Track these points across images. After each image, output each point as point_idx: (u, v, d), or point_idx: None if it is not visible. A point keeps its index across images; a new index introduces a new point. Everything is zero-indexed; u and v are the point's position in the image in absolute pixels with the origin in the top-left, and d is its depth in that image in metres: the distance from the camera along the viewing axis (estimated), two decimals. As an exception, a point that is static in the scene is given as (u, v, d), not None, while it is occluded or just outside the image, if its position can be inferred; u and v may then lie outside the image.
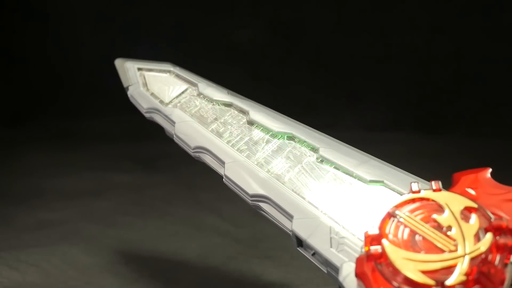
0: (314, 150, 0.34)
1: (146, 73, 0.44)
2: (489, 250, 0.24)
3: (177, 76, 0.43)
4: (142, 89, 0.43)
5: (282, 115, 0.38)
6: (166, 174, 0.80)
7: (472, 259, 0.24)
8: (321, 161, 0.33)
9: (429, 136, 0.88)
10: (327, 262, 0.29)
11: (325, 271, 0.30)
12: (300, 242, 0.31)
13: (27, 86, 1.09)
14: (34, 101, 1.06)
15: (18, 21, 1.11)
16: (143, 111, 0.42)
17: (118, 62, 0.46)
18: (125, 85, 0.44)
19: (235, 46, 1.06)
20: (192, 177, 0.78)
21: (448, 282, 0.23)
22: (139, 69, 0.44)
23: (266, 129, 0.37)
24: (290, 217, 0.31)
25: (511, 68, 0.96)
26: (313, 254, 0.30)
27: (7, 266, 0.52)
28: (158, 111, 0.41)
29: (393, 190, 0.30)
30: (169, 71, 0.44)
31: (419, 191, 0.27)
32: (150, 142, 0.91)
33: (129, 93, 0.44)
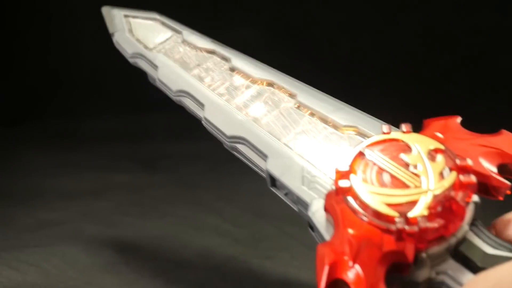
0: (292, 96, 0.35)
1: (132, 20, 0.45)
2: (452, 187, 0.25)
3: (163, 23, 0.45)
4: (127, 34, 0.44)
5: (263, 63, 0.39)
6: (166, 174, 0.80)
7: (436, 194, 0.24)
8: (298, 107, 0.34)
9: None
10: (298, 200, 0.30)
11: (296, 210, 0.31)
12: (273, 182, 0.32)
13: (27, 86, 1.09)
14: (34, 101, 1.06)
15: (18, 20, 1.11)
16: (127, 56, 0.43)
17: (105, 10, 0.46)
18: (110, 31, 0.45)
19: (235, 46, 1.05)
20: (192, 177, 0.78)
21: (411, 214, 0.24)
22: (125, 16, 0.45)
23: (246, 76, 0.38)
24: (264, 157, 0.32)
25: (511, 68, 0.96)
26: (286, 194, 0.31)
27: (7, 266, 0.52)
28: (142, 56, 0.42)
29: (365, 134, 0.31)
30: (154, 19, 0.45)
31: (389, 132, 0.28)
32: (150, 142, 0.91)
33: (115, 39, 0.44)
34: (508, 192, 0.27)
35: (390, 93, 0.98)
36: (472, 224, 0.25)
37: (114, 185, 0.76)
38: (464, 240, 0.25)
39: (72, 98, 1.06)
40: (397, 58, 1.01)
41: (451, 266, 0.24)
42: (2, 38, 1.09)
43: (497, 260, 0.23)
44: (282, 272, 0.52)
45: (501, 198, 0.27)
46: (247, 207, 0.66)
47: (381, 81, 1.00)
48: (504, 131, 0.28)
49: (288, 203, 0.32)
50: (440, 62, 1.00)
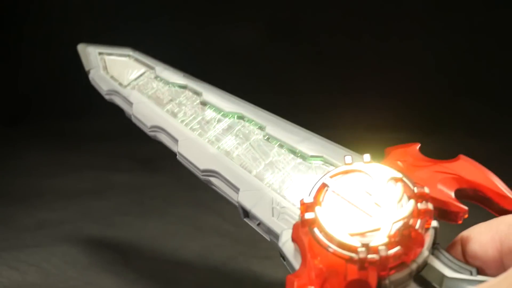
0: (261, 128, 0.37)
1: (107, 57, 0.47)
2: (411, 216, 0.26)
3: (136, 60, 0.46)
4: (102, 72, 0.46)
5: (233, 96, 0.40)
6: (166, 174, 0.80)
7: (395, 223, 0.26)
8: (268, 139, 0.36)
9: (429, 136, 0.88)
10: (269, 230, 0.31)
11: (268, 239, 0.32)
12: (246, 213, 0.34)
13: (27, 86, 1.09)
14: (34, 101, 1.06)
15: (17, 20, 1.11)
16: (103, 93, 0.45)
17: (80, 47, 0.48)
18: (86, 68, 0.47)
19: (235, 47, 1.06)
20: (192, 177, 0.77)
21: (372, 243, 0.25)
22: (100, 53, 0.47)
23: (217, 109, 0.39)
24: (236, 189, 0.34)
25: (511, 68, 0.96)
26: (258, 224, 0.33)
27: (7, 266, 0.52)
28: (117, 93, 0.44)
29: (331, 163, 0.33)
30: (128, 55, 0.46)
31: (351, 163, 0.29)
32: (150, 142, 0.91)
33: (90, 76, 0.46)
34: (466, 216, 0.28)
35: (389, 93, 0.98)
36: (433, 247, 0.26)
37: (114, 185, 0.76)
38: (425, 264, 0.26)
39: (72, 98, 1.06)
40: (397, 58, 1.01)
41: None
42: (2, 38, 1.09)
43: (457, 283, 0.25)
44: (282, 272, 0.52)
45: (459, 222, 0.28)
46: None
47: (380, 81, 1.00)
48: (462, 156, 0.30)
49: (261, 232, 0.33)
50: (441, 62, 1.00)
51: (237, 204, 0.34)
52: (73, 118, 1.01)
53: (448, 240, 0.28)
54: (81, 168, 0.82)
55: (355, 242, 0.25)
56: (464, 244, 0.27)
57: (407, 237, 0.25)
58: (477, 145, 0.84)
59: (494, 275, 0.25)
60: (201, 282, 0.50)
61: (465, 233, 0.28)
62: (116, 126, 0.98)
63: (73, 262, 0.53)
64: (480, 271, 0.26)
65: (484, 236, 0.26)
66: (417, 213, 0.26)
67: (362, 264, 0.24)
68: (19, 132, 0.99)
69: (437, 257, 0.26)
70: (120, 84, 0.44)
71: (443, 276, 0.25)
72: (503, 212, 0.28)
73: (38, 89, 1.08)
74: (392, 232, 0.25)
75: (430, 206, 0.26)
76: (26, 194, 0.73)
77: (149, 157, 0.87)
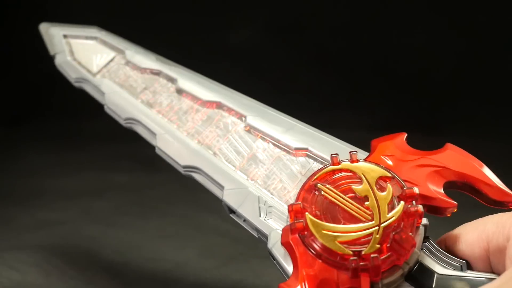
0: (242, 118, 0.35)
1: (72, 41, 0.44)
2: (401, 218, 0.25)
3: (104, 42, 0.43)
4: (69, 58, 0.43)
5: (211, 81, 0.38)
6: (166, 174, 0.80)
7: (386, 227, 0.25)
8: (249, 130, 0.34)
9: (429, 136, 0.88)
10: (257, 229, 0.30)
11: (256, 236, 0.31)
12: (231, 210, 0.32)
13: (27, 86, 1.09)
14: (35, 101, 1.06)
15: (17, 20, 1.11)
16: (72, 80, 0.42)
17: (43, 27, 0.45)
18: (51, 53, 0.44)
19: (235, 46, 1.05)
20: (192, 177, 0.78)
21: (364, 251, 0.25)
22: (65, 36, 0.44)
23: (194, 98, 0.37)
24: (221, 187, 0.33)
25: (511, 68, 0.96)
26: (244, 221, 0.32)
27: (7, 266, 0.52)
28: (87, 81, 0.41)
29: (317, 156, 0.31)
30: (95, 38, 0.43)
31: (339, 163, 0.28)
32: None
33: (57, 62, 0.43)
34: (455, 210, 0.27)
35: (389, 93, 0.98)
36: (423, 242, 0.26)
37: (114, 185, 0.76)
38: (417, 263, 0.26)
39: (72, 98, 1.06)
40: (397, 58, 1.01)
41: None
42: (2, 37, 1.09)
43: (447, 281, 0.25)
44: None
45: (448, 215, 0.28)
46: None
47: (380, 81, 1.00)
48: (449, 145, 0.29)
49: (248, 229, 0.32)
50: (441, 61, 1.00)
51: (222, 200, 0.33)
52: (73, 118, 1.01)
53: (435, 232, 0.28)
54: (81, 168, 0.82)
55: (346, 250, 0.25)
56: (450, 243, 0.27)
57: (398, 241, 0.25)
58: (477, 145, 0.84)
59: (481, 271, 0.25)
60: (201, 282, 0.50)
61: (451, 233, 0.28)
62: (116, 126, 0.98)
63: (73, 262, 0.53)
64: (468, 266, 0.26)
65: (470, 236, 0.26)
66: (407, 215, 0.25)
67: (355, 273, 0.24)
68: (20, 132, 0.99)
69: (428, 253, 0.26)
70: (89, 71, 0.41)
71: (434, 273, 0.25)
72: (492, 202, 0.28)
73: (39, 89, 1.07)
74: (384, 238, 0.25)
75: (420, 207, 0.26)
76: (26, 194, 0.73)
77: (149, 157, 0.86)
